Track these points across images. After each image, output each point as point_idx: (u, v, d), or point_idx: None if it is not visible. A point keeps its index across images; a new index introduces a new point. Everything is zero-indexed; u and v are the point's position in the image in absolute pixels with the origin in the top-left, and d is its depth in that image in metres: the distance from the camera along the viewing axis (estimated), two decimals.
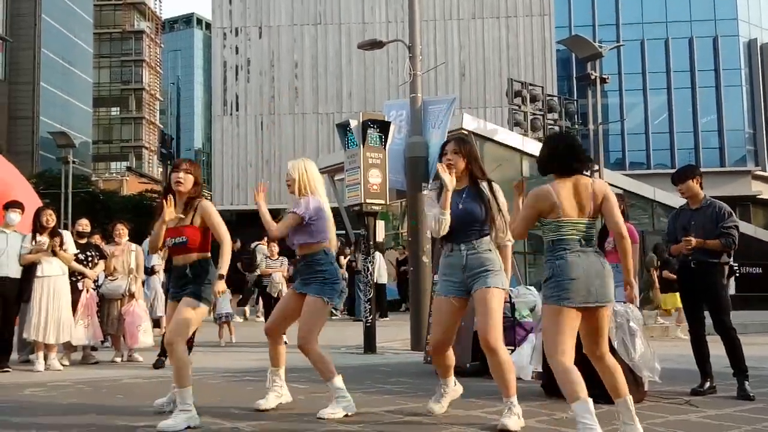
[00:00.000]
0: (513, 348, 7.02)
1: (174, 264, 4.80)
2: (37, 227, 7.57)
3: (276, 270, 11.09)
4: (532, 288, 7.96)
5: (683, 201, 6.01)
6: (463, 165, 4.57)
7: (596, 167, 17.15)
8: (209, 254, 4.69)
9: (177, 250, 4.66)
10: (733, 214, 5.70)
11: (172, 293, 4.75)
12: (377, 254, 12.87)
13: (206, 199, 4.87)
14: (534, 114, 22.15)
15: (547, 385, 5.62)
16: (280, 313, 5.04)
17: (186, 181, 4.63)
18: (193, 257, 4.60)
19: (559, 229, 3.85)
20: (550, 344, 3.82)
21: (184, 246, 4.60)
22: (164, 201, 4.63)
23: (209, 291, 4.58)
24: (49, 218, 7.63)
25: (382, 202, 9.07)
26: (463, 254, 4.47)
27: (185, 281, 4.60)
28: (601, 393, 5.09)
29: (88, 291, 8.11)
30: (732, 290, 19.11)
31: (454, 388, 4.81)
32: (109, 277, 8.46)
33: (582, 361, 5.31)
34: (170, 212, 4.57)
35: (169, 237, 4.65)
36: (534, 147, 19.94)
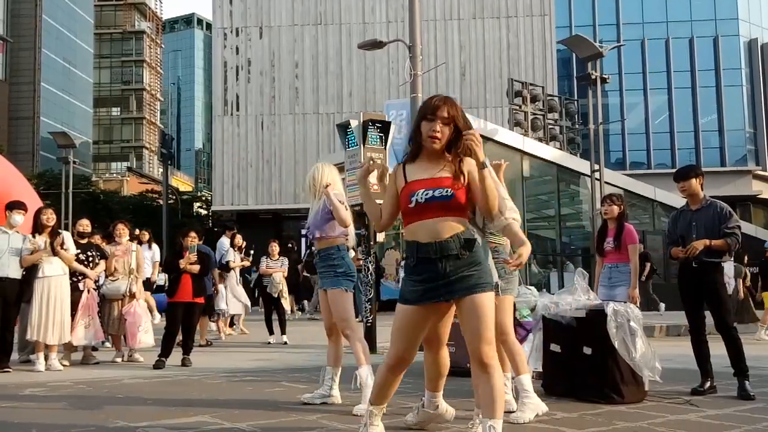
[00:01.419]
0: None
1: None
2: (37, 226, 7.58)
3: (276, 270, 11.09)
4: (532, 288, 7.96)
5: (683, 201, 6.00)
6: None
7: (597, 167, 17.15)
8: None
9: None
10: (735, 214, 5.70)
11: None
12: None
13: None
14: (534, 114, 22.16)
15: (547, 385, 5.63)
16: (325, 312, 5.29)
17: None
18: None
19: None
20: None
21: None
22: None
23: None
24: (50, 217, 7.64)
25: (383, 202, 9.05)
26: None
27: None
28: (600, 392, 5.11)
29: (89, 291, 8.12)
30: (732, 290, 19.13)
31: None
32: (109, 278, 8.47)
33: (570, 358, 5.34)
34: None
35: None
36: (534, 147, 19.98)
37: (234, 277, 11.54)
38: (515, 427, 4.32)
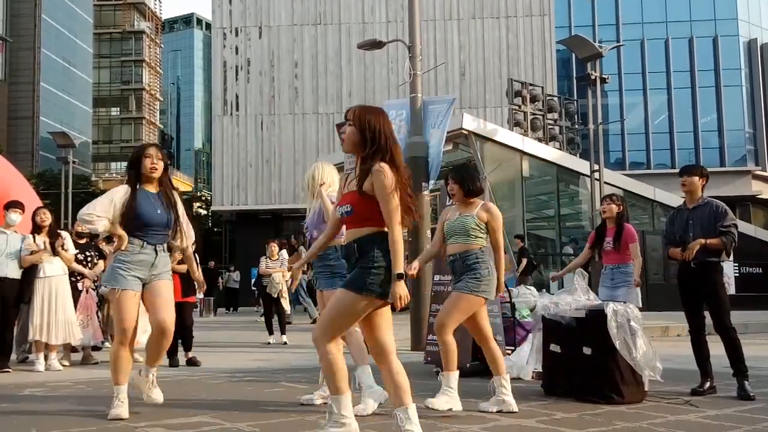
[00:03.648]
0: (513, 348, 7.03)
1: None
2: (34, 227, 7.59)
3: (276, 270, 11.09)
4: (532, 288, 7.96)
5: (682, 201, 6.01)
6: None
7: (597, 167, 17.14)
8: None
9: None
10: (730, 212, 5.70)
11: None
12: None
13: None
14: (534, 114, 22.16)
15: (547, 385, 5.63)
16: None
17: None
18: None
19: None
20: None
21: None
22: None
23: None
24: (43, 217, 7.64)
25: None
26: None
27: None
28: (600, 393, 5.11)
29: (87, 291, 8.12)
30: (732, 290, 19.17)
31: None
32: None
33: (570, 359, 5.34)
34: None
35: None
36: (534, 147, 19.97)
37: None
38: (515, 426, 4.32)
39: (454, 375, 4.78)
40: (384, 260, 3.45)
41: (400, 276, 3.41)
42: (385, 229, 3.48)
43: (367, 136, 3.50)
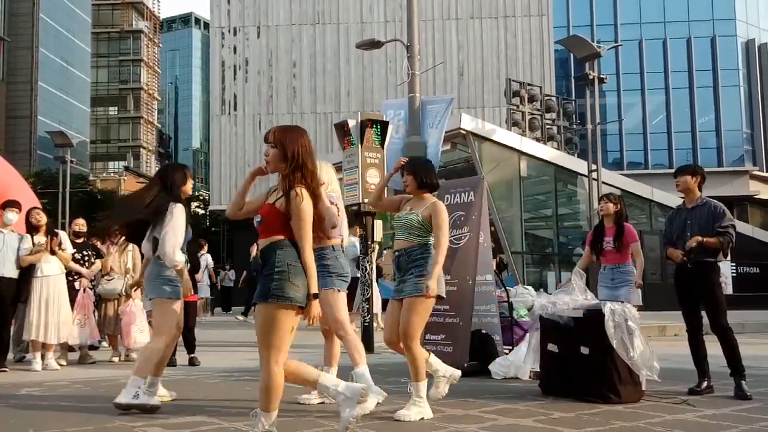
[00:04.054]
0: (510, 348, 7.04)
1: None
2: (30, 228, 7.58)
3: None
4: (529, 288, 7.97)
5: (680, 201, 6.02)
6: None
7: (594, 167, 17.15)
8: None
9: None
10: (728, 213, 5.70)
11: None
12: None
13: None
14: (532, 114, 22.17)
15: (545, 385, 5.63)
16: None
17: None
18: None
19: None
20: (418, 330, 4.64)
21: None
22: None
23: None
24: (38, 217, 7.63)
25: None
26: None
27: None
28: (598, 392, 5.11)
29: (84, 290, 8.11)
30: (729, 290, 19.19)
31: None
32: (105, 277, 8.46)
33: (567, 358, 5.35)
34: None
35: None
36: (532, 147, 19.98)
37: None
38: (513, 426, 4.32)
39: (424, 384, 4.61)
40: (286, 266, 3.56)
41: (315, 296, 3.57)
42: (285, 238, 3.64)
43: (288, 155, 3.67)
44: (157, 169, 55.65)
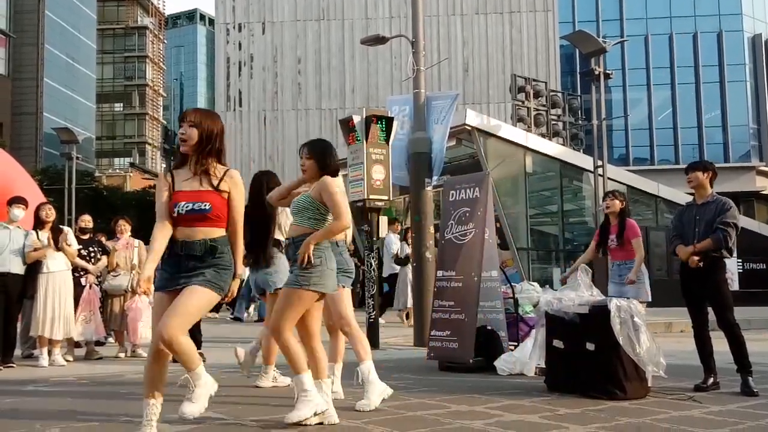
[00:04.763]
0: (516, 344, 7.03)
1: None
2: (37, 223, 7.60)
3: None
4: (535, 284, 7.95)
5: (687, 197, 6.00)
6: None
7: (600, 163, 17.10)
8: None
9: None
10: (735, 210, 5.65)
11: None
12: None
13: None
14: (537, 110, 22.09)
15: (550, 381, 5.62)
16: (324, 309, 5.24)
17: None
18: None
19: None
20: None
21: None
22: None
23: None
24: (48, 213, 7.66)
25: (386, 197, 9.06)
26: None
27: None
28: (603, 388, 5.11)
29: (90, 287, 8.14)
30: (735, 286, 19.13)
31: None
32: (111, 273, 8.48)
33: (573, 354, 5.34)
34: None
35: None
36: (537, 143, 19.92)
37: (410, 270, 11.29)
38: (518, 422, 4.32)
39: (307, 376, 4.28)
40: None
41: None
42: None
43: (203, 137, 3.77)
44: (162, 165, 55.37)
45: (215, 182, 3.77)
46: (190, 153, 3.81)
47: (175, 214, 3.72)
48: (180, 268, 3.73)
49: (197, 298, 3.67)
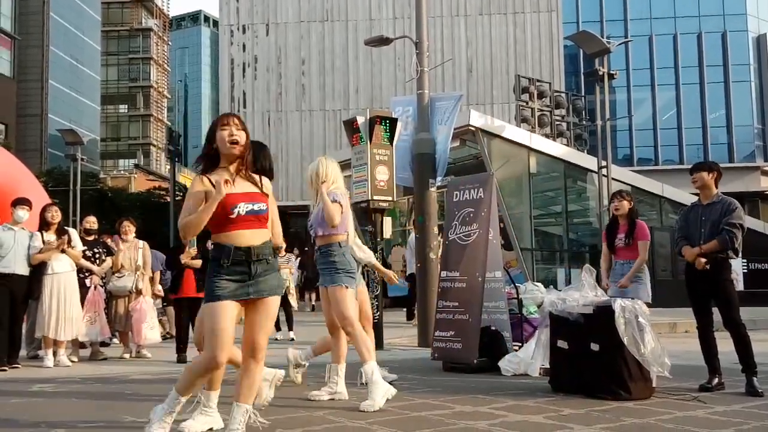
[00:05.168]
0: (520, 344, 7.03)
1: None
2: (43, 224, 7.62)
3: (283, 267, 11.09)
4: (539, 284, 7.95)
5: (691, 197, 5.99)
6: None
7: (604, 163, 17.08)
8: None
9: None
10: (741, 210, 5.64)
11: None
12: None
13: None
14: (541, 110, 22.07)
15: (554, 382, 5.62)
16: (326, 309, 5.33)
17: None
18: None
19: None
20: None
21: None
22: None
23: None
24: (54, 214, 7.69)
25: (390, 198, 9.07)
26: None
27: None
28: (608, 389, 5.10)
29: (95, 288, 8.16)
30: (740, 286, 19.08)
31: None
32: (116, 274, 8.50)
33: (577, 355, 5.33)
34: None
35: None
36: (541, 143, 19.91)
37: None
38: (523, 422, 4.31)
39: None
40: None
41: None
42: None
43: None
44: (167, 166, 55.52)
45: (259, 185, 3.78)
46: (242, 155, 3.80)
47: (234, 215, 3.59)
48: (249, 274, 3.60)
49: (275, 311, 3.77)
